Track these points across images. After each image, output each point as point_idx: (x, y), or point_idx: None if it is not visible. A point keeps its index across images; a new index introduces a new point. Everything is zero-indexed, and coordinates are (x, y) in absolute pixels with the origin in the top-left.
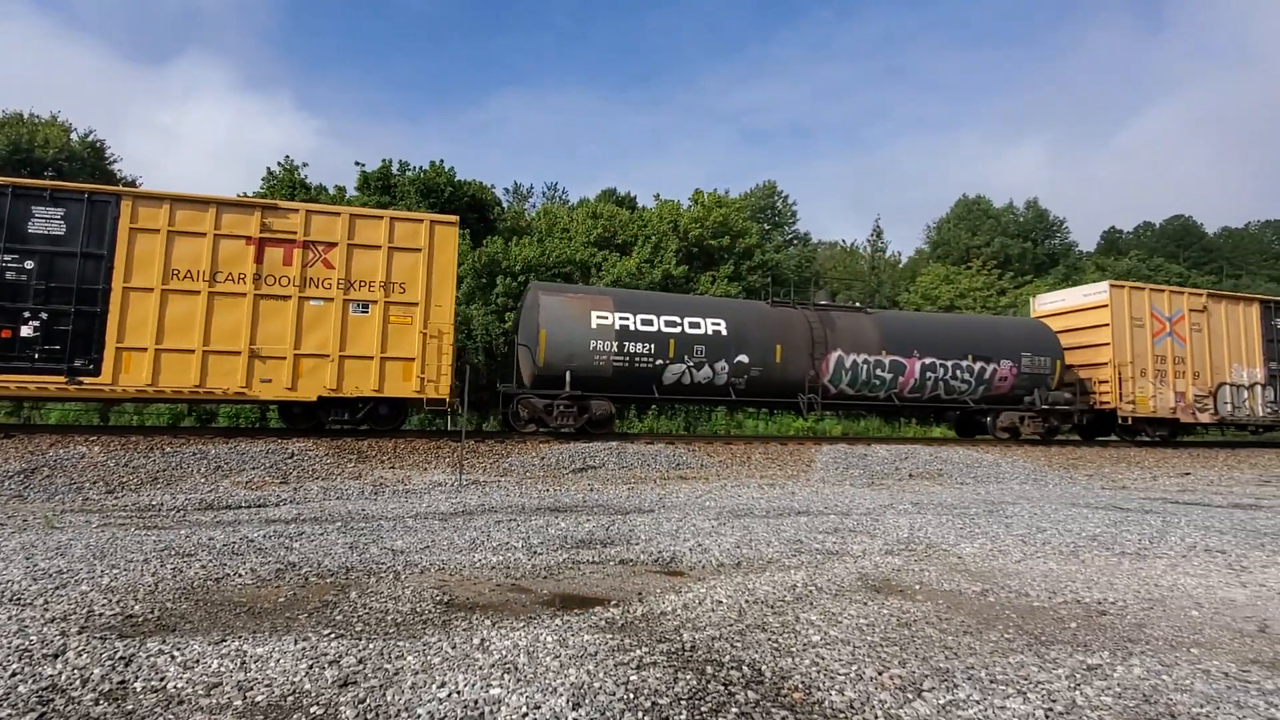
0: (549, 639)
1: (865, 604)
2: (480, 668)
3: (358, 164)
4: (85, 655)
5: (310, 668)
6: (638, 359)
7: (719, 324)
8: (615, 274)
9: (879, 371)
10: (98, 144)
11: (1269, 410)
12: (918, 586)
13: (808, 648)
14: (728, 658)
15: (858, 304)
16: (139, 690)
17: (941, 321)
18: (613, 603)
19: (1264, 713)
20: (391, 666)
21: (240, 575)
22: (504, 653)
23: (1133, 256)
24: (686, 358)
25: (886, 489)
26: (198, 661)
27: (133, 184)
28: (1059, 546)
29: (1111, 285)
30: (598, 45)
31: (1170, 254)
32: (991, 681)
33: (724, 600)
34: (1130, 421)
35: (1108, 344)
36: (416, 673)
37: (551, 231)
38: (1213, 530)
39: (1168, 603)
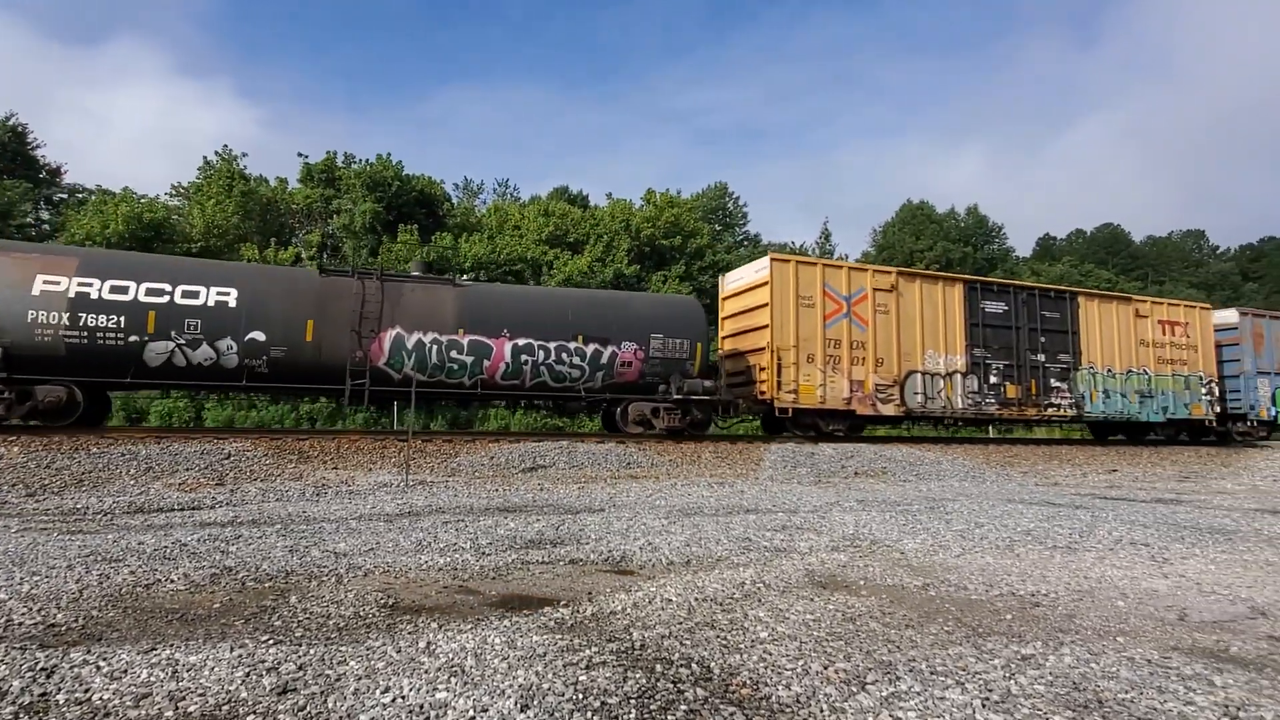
0: (497, 641)
1: (812, 600)
2: (426, 671)
3: (301, 155)
4: (3, 666)
5: (247, 675)
6: (102, 334)
7: (226, 294)
8: (567, 273)
9: (455, 353)
10: (19, 128)
11: (970, 402)
12: (862, 582)
13: (756, 644)
14: (677, 655)
15: (451, 276)
16: (62, 702)
17: (544, 298)
18: (562, 603)
19: (1183, 697)
20: (333, 672)
21: (172, 581)
22: (451, 655)
23: (1065, 262)
24: (175, 334)
25: (833, 487)
26: (125, 671)
27: (57, 171)
28: (996, 541)
29: (773, 258)
30: (550, 41)
31: (1100, 260)
32: (932, 673)
33: (674, 598)
34: (791, 414)
35: (768, 325)
36: (359, 678)
37: (502, 229)
38: (1137, 524)
39: (1096, 594)
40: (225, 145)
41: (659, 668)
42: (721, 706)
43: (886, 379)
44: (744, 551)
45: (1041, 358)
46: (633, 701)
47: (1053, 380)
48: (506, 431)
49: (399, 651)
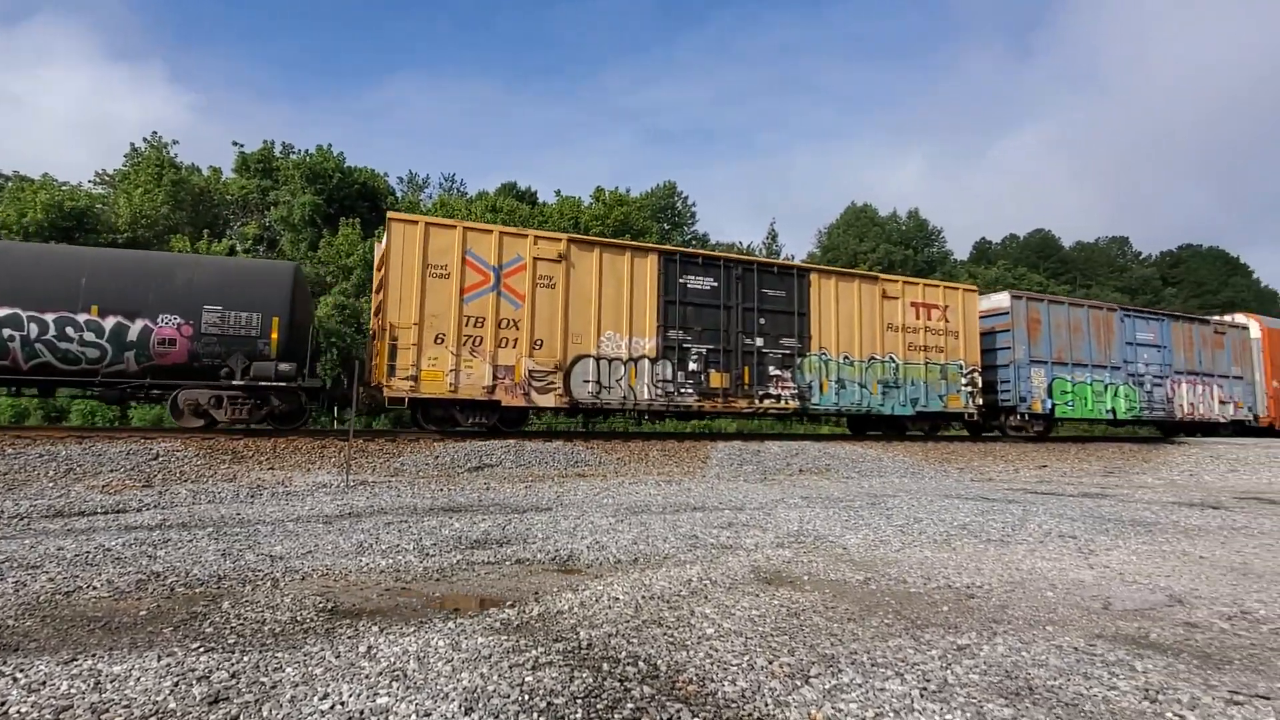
0: (441, 643)
1: (757, 595)
2: (367, 676)
3: (236, 144)
4: None
5: (176, 685)
6: None
7: None
8: None
9: None
10: None
11: (660, 392)
12: (806, 577)
13: (702, 640)
14: (624, 654)
15: None
16: None
17: (43, 257)
18: (508, 603)
19: (1107, 682)
20: (268, 679)
21: (95, 588)
22: (393, 659)
23: (1000, 265)
24: None
25: (778, 484)
26: (44, 683)
27: None
28: (934, 536)
29: (391, 218)
30: (500, 34)
31: (1032, 264)
32: (872, 665)
33: (621, 597)
34: (408, 403)
35: (382, 299)
36: (296, 685)
37: None
38: (1065, 518)
39: (1027, 585)
40: (154, 132)
41: (606, 666)
42: (668, 704)
43: (546, 364)
44: (691, 549)
45: (759, 342)
46: (579, 701)
47: (772, 368)
48: (452, 431)
49: (338, 656)
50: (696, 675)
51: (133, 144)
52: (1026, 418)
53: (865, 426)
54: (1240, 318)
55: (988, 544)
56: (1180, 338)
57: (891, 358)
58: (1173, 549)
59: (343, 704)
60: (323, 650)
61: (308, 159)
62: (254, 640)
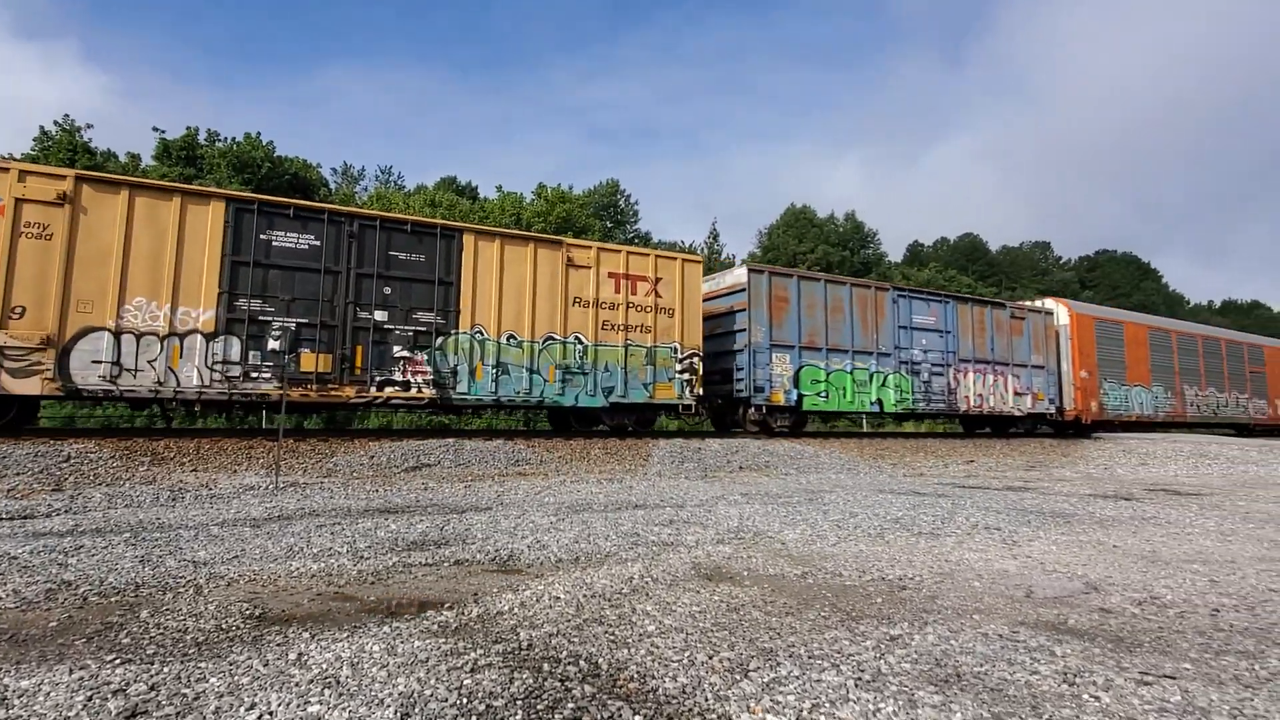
0: (376, 648)
1: (698, 592)
2: (297, 684)
3: (156, 130)
4: None
5: (90, 699)
6: None
7: None
8: None
9: None
10: None
11: (220, 376)
12: (746, 573)
13: (643, 638)
14: (565, 653)
15: None
16: None
17: None
18: (446, 605)
19: (1029, 667)
20: (191, 691)
21: None
22: (325, 666)
23: (932, 267)
24: None
25: (719, 481)
26: None
27: None
28: (868, 530)
29: None
30: (440, 25)
31: (962, 266)
32: (810, 657)
33: (562, 596)
34: None
35: None
36: (221, 695)
37: None
38: (991, 510)
39: (956, 576)
40: (67, 115)
41: (547, 667)
42: (609, 702)
43: (28, 338)
44: (632, 547)
45: (381, 316)
46: (519, 703)
47: (400, 349)
48: (389, 430)
49: (266, 665)
50: (638, 672)
51: (42, 127)
52: (765, 410)
53: (562, 421)
54: (1049, 302)
55: (919, 537)
56: (968, 322)
57: (578, 338)
58: (1089, 539)
59: (271, 714)
60: (250, 659)
61: (235, 147)
62: (175, 650)
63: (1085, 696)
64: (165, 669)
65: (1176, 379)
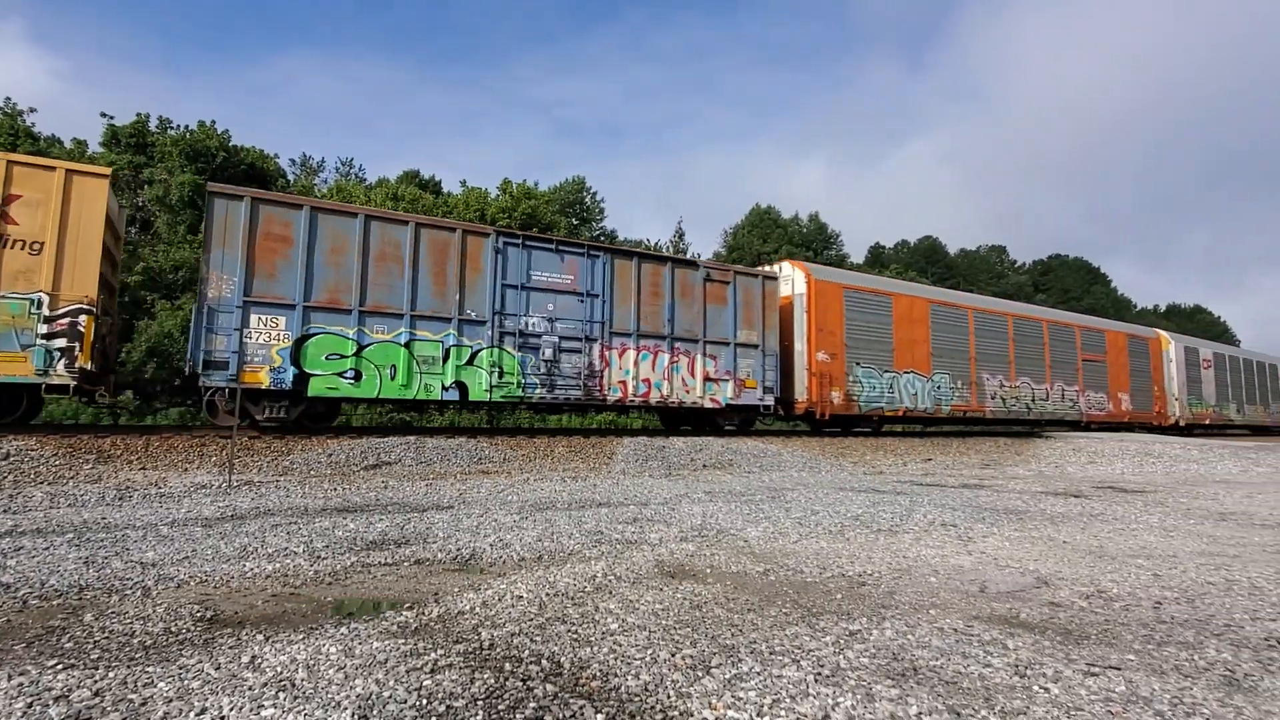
0: (333, 650)
1: (661, 590)
2: (250, 688)
3: (105, 116)
4: None
5: (30, 706)
6: None
7: None
8: None
9: None
10: None
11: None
12: (709, 570)
13: (606, 636)
14: (527, 653)
15: None
16: None
17: None
18: (406, 605)
19: (982, 660)
20: (137, 696)
21: None
22: (279, 669)
23: (892, 269)
24: None
25: (683, 479)
26: None
27: None
28: (829, 527)
29: None
30: (404, 14)
31: (921, 269)
32: (771, 653)
33: (524, 595)
34: None
35: None
36: (170, 700)
37: None
38: (947, 508)
39: (913, 572)
40: (8, 98)
41: (508, 666)
42: (571, 701)
43: None
44: (596, 545)
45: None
46: (480, 703)
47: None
48: (348, 427)
49: (218, 668)
50: (600, 671)
51: None
52: (231, 395)
53: None
54: (786, 266)
55: (878, 534)
56: (631, 284)
57: None
58: (1040, 535)
59: (223, 719)
60: (200, 662)
61: (188, 135)
62: (121, 654)
63: (1035, 688)
64: (110, 674)
65: (972, 366)
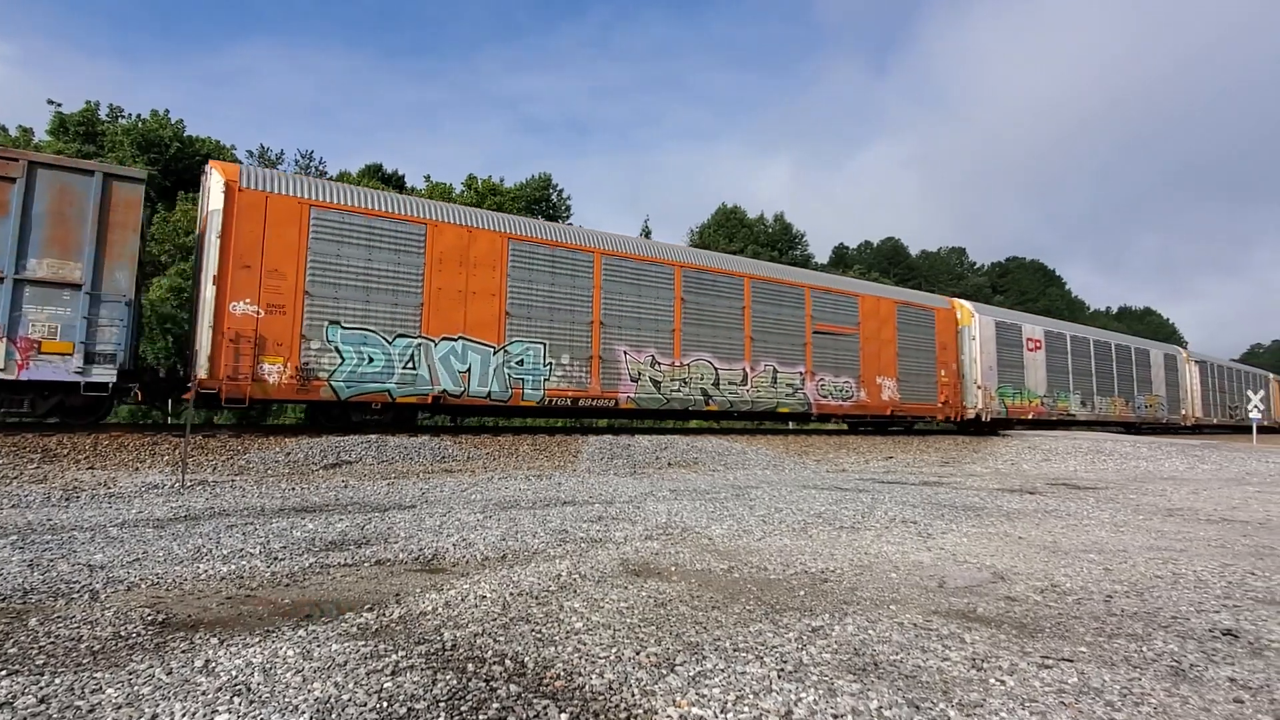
0: (290, 652)
1: (626, 588)
2: (204, 693)
3: (52, 103)
4: None
5: None
6: None
7: None
8: None
9: None
10: None
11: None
12: (673, 568)
13: (570, 635)
14: (490, 653)
15: None
16: None
17: None
18: (366, 607)
19: (941, 654)
20: (85, 703)
21: None
22: (234, 673)
23: (855, 270)
24: None
25: (648, 477)
26: None
27: None
28: (792, 524)
29: None
30: (366, 4)
31: (883, 269)
32: (735, 650)
33: (488, 595)
34: None
35: None
36: (119, 706)
37: None
38: (908, 505)
39: (874, 568)
40: None
41: (471, 667)
42: (535, 701)
43: None
44: (560, 544)
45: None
46: (442, 705)
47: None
48: (306, 426)
49: (170, 673)
50: (564, 670)
51: None
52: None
53: None
54: (215, 174)
55: (840, 531)
56: None
57: None
58: (997, 531)
59: None
60: (151, 667)
61: (140, 124)
62: (68, 660)
63: (992, 680)
64: (57, 680)
65: (595, 338)
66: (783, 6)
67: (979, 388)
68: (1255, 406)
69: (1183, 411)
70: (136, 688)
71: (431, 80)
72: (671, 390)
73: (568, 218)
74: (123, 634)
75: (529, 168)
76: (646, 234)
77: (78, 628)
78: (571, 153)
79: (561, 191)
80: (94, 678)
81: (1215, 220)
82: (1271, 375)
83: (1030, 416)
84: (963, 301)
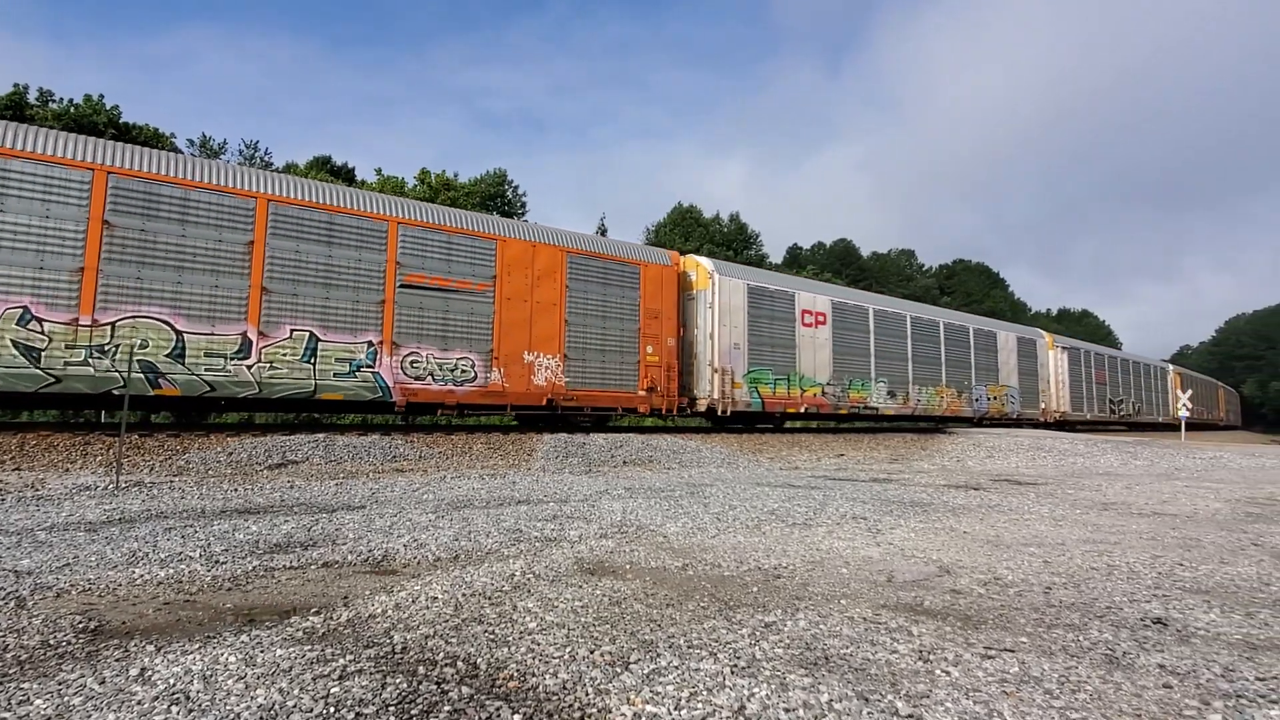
0: (232, 659)
1: (580, 587)
2: (139, 702)
3: None
4: None
5: None
6: None
7: None
8: None
9: None
10: None
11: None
12: (628, 566)
13: (524, 635)
14: (441, 655)
15: None
16: None
17: None
18: (313, 610)
19: (889, 647)
20: (11, 715)
21: None
22: (172, 681)
23: (808, 270)
24: None
25: (603, 475)
26: None
27: None
28: (746, 522)
29: None
30: None
31: (836, 270)
32: (689, 647)
33: (439, 596)
34: None
35: None
36: (49, 719)
37: None
38: (858, 501)
39: (825, 564)
40: None
41: (422, 669)
42: (488, 702)
43: None
44: (515, 543)
45: None
46: (392, 709)
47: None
48: (250, 424)
49: (103, 683)
50: (518, 671)
51: None
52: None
53: None
54: None
55: (793, 527)
56: None
57: None
58: (943, 526)
59: None
60: (83, 676)
61: (72, 109)
62: None
63: (938, 672)
64: None
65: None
66: (740, 8)
67: (715, 371)
68: (1184, 405)
69: (1042, 405)
70: (66, 698)
71: (383, 72)
72: (69, 362)
73: (523, 214)
74: (51, 642)
75: (483, 162)
76: (603, 232)
77: (2, 637)
78: (527, 149)
79: (517, 187)
80: (20, 689)
81: (1149, 228)
82: (1172, 365)
83: (803, 409)
84: (699, 258)
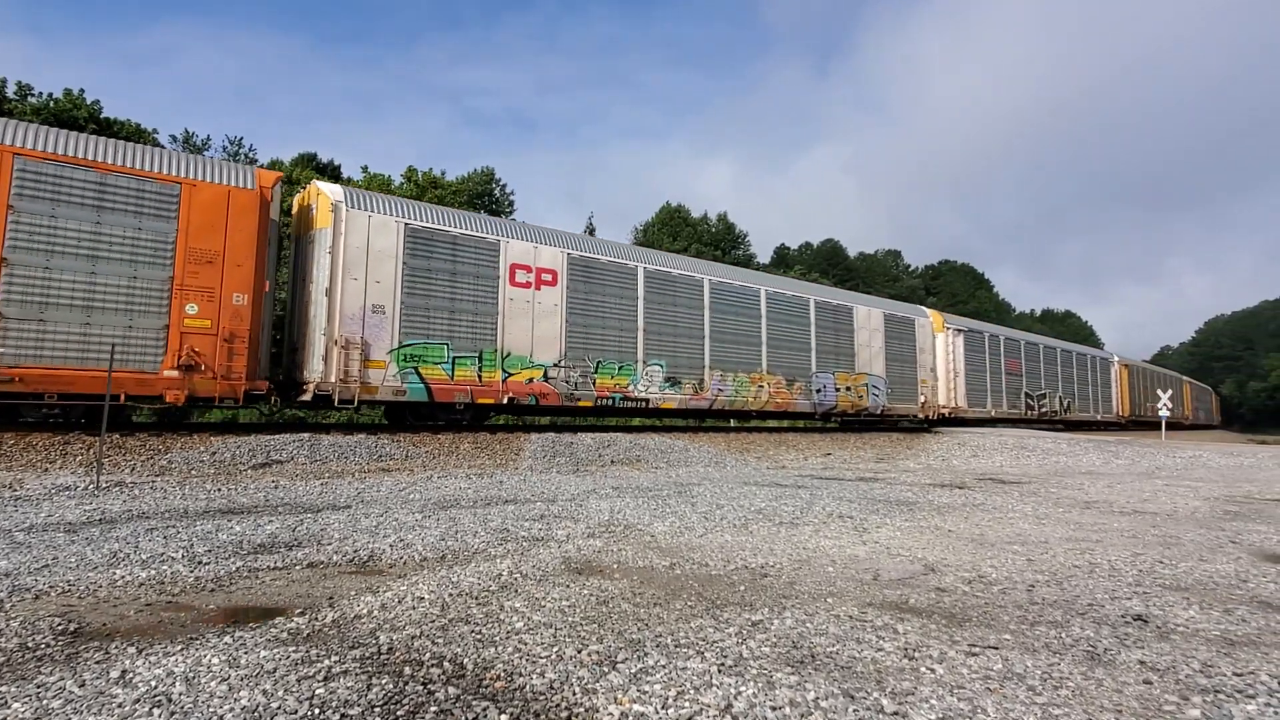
0: (215, 660)
1: (568, 586)
2: (120, 705)
3: None
4: None
5: None
6: None
7: None
8: None
9: None
10: None
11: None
12: (616, 565)
13: (511, 635)
14: (428, 655)
15: None
16: None
17: None
18: (298, 611)
19: (875, 645)
20: None
21: None
22: (154, 683)
23: (795, 270)
24: None
25: (590, 475)
26: None
27: None
28: (733, 521)
29: None
30: None
31: (823, 270)
32: (676, 646)
33: (426, 596)
34: None
35: None
36: None
37: None
38: (845, 500)
39: (812, 562)
40: None
41: (408, 670)
42: (474, 703)
43: None
44: (502, 543)
45: None
46: (377, 710)
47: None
48: (234, 424)
49: (83, 685)
50: (505, 670)
51: None
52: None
53: None
54: None
55: (780, 526)
56: None
57: None
58: (928, 525)
59: None
60: (62, 679)
61: (52, 104)
62: None
63: (923, 669)
64: None
65: None
66: (729, 8)
67: (335, 344)
68: (1164, 405)
69: (921, 398)
70: (45, 701)
71: (369, 69)
72: None
73: (510, 213)
74: (30, 645)
75: (471, 160)
76: (591, 231)
77: None
78: (515, 147)
79: (504, 186)
80: None
81: (1134, 230)
82: (1116, 356)
83: (505, 399)
84: (321, 184)
